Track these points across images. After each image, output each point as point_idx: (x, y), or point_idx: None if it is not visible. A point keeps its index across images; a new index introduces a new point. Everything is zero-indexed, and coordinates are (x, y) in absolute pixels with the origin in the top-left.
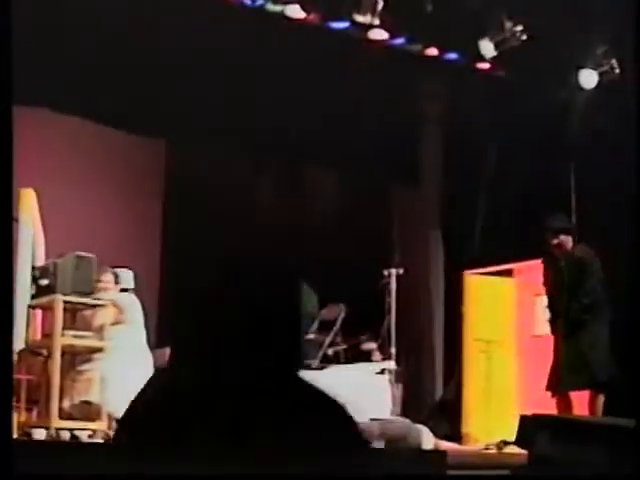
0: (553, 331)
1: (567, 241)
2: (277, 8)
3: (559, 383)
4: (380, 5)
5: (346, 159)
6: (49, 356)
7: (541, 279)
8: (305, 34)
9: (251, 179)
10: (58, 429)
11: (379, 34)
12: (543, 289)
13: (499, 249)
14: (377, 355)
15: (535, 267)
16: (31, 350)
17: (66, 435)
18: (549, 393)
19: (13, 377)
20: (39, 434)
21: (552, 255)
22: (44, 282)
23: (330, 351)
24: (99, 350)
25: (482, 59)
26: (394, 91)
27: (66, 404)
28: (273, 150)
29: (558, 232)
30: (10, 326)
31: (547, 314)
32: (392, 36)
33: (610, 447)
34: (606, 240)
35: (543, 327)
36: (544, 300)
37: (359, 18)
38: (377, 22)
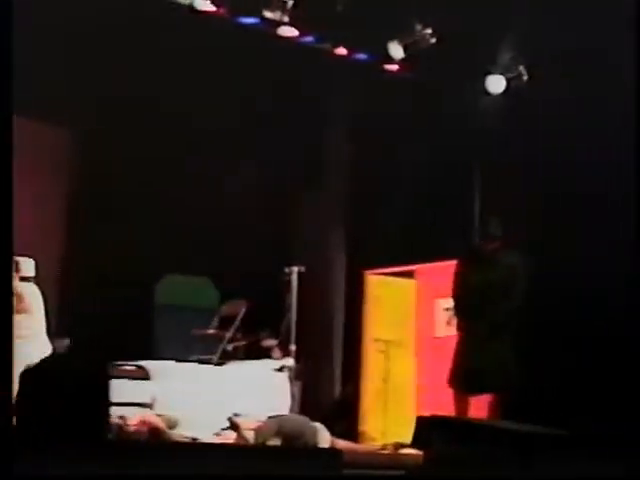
0: (465, 333)
1: (498, 246)
2: (186, 0)
3: (470, 384)
4: (290, 3)
5: (250, 156)
6: None
7: (449, 280)
8: (213, 28)
9: (153, 174)
10: None
11: (288, 31)
12: (448, 291)
13: (401, 250)
14: (277, 352)
15: (436, 269)
16: None
17: None
18: (450, 393)
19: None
20: None
21: (477, 257)
22: None
23: (230, 347)
24: None
25: (391, 60)
26: (302, 89)
27: None
28: (175, 144)
29: (493, 238)
30: (10, 326)
31: (449, 315)
32: (302, 34)
33: (507, 450)
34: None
35: (444, 329)
36: (446, 302)
37: (268, 14)
38: (286, 19)
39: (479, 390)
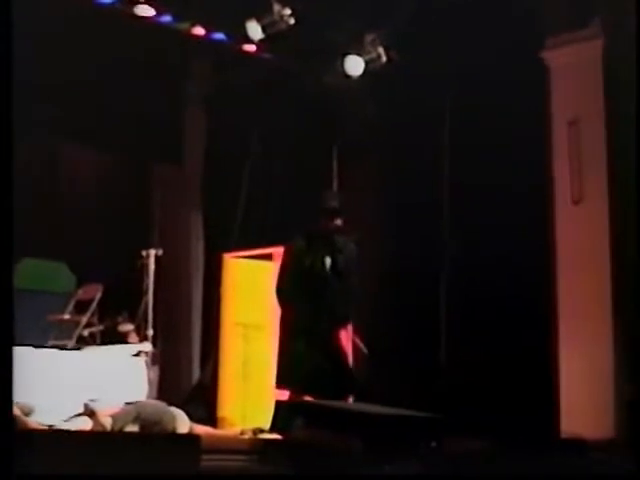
0: (289, 323)
1: (338, 227)
2: None
3: (300, 386)
4: None
5: (106, 137)
6: None
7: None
8: (70, 7)
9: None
10: None
11: (146, 10)
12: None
13: (259, 233)
14: (133, 337)
15: None
16: None
17: None
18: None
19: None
20: None
21: (316, 237)
22: None
23: (86, 332)
24: None
25: (249, 41)
26: (160, 69)
27: None
28: (31, 126)
29: (332, 213)
30: (10, 327)
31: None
32: (159, 13)
33: (362, 433)
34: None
35: None
36: None
37: None
38: None
39: (314, 393)
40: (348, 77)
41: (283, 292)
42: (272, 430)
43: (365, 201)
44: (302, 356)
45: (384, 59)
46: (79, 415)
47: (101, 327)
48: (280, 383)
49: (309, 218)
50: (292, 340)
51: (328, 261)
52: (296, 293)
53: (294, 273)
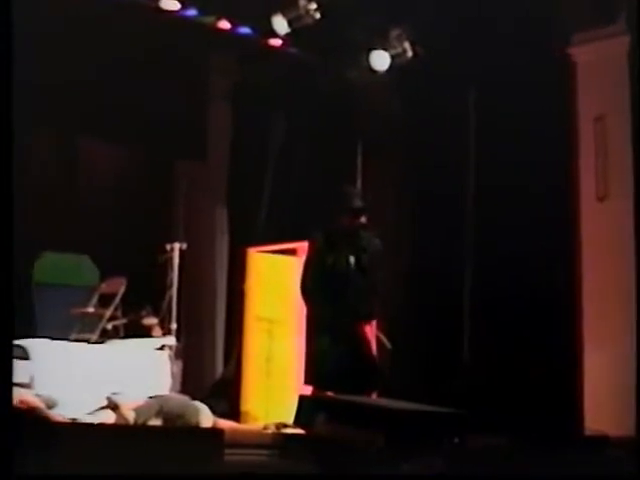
0: (314, 322)
1: (362, 224)
2: None
3: (326, 383)
4: None
5: (132, 131)
6: None
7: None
8: (95, 1)
9: (30, 151)
10: None
11: (171, 4)
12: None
13: (283, 228)
14: (157, 330)
15: None
16: None
17: None
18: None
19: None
20: None
21: (333, 235)
22: None
23: (109, 325)
24: None
25: (275, 35)
26: (185, 63)
27: None
28: (51, 121)
29: (358, 212)
30: (10, 326)
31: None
32: (184, 7)
33: (385, 428)
34: (387, 227)
35: None
36: None
37: None
38: None
39: (339, 390)
40: (374, 72)
41: (307, 290)
42: (295, 425)
43: (389, 197)
44: (326, 353)
45: (410, 54)
46: (102, 408)
47: (125, 320)
48: (307, 380)
49: (333, 214)
50: (317, 337)
51: (352, 259)
52: (320, 291)
53: (317, 271)
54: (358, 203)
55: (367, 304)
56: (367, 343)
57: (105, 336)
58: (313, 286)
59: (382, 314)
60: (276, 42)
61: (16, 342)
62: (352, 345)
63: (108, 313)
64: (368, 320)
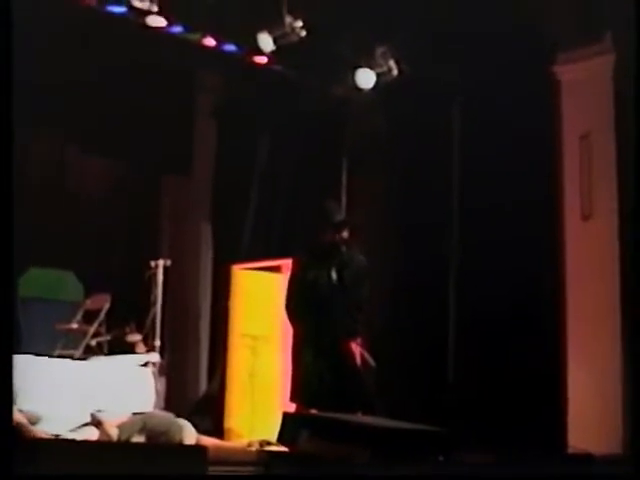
0: (299, 338)
1: (344, 239)
2: None
3: (312, 401)
4: None
5: (118, 147)
6: None
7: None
8: (81, 17)
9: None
10: None
11: (157, 21)
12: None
13: (268, 244)
14: (141, 347)
15: None
16: None
17: None
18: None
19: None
20: None
21: (322, 250)
22: None
23: (93, 342)
24: None
25: (260, 52)
26: (170, 80)
27: None
28: (36, 137)
29: (339, 226)
30: (10, 327)
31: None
32: (170, 24)
33: (369, 446)
34: (371, 243)
35: None
36: None
37: (137, 3)
38: (155, 9)
39: (324, 407)
40: (359, 90)
41: (291, 307)
42: (279, 442)
43: (373, 214)
44: (311, 370)
45: (395, 72)
46: (86, 425)
47: (109, 337)
48: (292, 397)
49: (315, 230)
50: (301, 355)
51: (334, 275)
52: (303, 308)
53: (300, 288)
54: (339, 217)
55: (351, 321)
56: (352, 360)
57: (89, 352)
58: (296, 303)
59: (367, 331)
60: (261, 59)
61: None
62: (337, 362)
63: (92, 329)
64: (352, 337)
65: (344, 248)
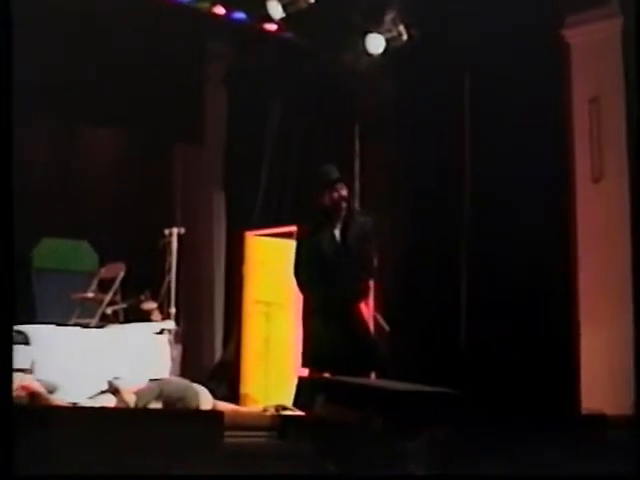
0: (309, 305)
1: (343, 198)
2: None
3: (323, 365)
4: None
5: (128, 116)
6: None
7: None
8: None
9: (26, 135)
10: None
11: None
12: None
13: (281, 211)
14: (156, 315)
15: None
16: None
17: None
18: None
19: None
20: None
21: (324, 214)
22: None
23: (109, 310)
24: None
25: (270, 20)
26: (180, 49)
27: None
28: (49, 106)
29: (335, 183)
30: (10, 326)
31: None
32: None
33: (383, 409)
34: (384, 210)
35: None
36: None
37: None
38: None
39: (336, 371)
40: (369, 55)
41: (298, 273)
42: (294, 407)
43: (386, 179)
44: (321, 335)
45: (405, 37)
46: (103, 392)
47: (124, 305)
48: (304, 363)
49: (314, 194)
50: (311, 320)
51: (337, 235)
52: (309, 272)
53: (306, 253)
54: (334, 175)
55: (358, 282)
56: (363, 323)
57: (105, 321)
58: (303, 268)
59: (379, 295)
60: (271, 27)
61: (17, 328)
62: (347, 325)
63: (107, 298)
64: (360, 299)
65: (344, 205)
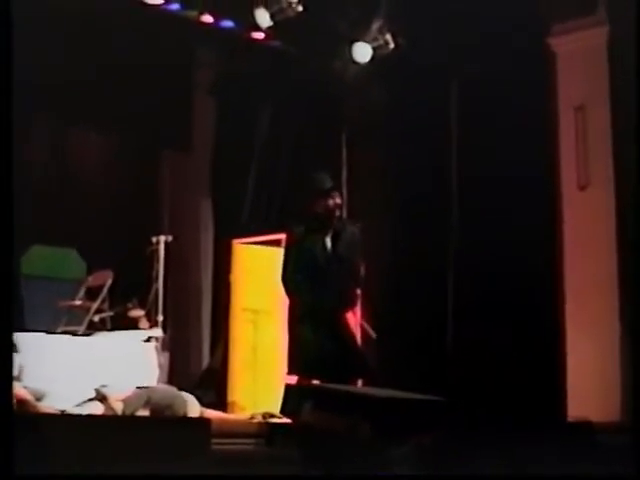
0: (295, 311)
1: (337, 207)
2: None
3: (311, 372)
4: None
5: (117, 124)
6: None
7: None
8: None
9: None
10: None
11: None
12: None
13: (268, 219)
14: (144, 323)
15: None
16: None
17: None
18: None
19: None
20: None
21: (315, 222)
22: None
23: (96, 318)
24: None
25: (257, 28)
26: (169, 57)
27: None
28: (39, 111)
29: (330, 192)
30: (10, 326)
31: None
32: (167, 1)
33: (371, 416)
34: (371, 217)
35: None
36: None
37: None
38: None
39: (323, 378)
40: (356, 64)
41: (287, 279)
42: (282, 414)
43: (373, 187)
44: (309, 342)
45: (392, 46)
46: (91, 400)
47: (111, 313)
48: (290, 370)
49: (307, 201)
50: (298, 326)
51: (329, 243)
52: (298, 279)
53: (295, 259)
54: (328, 184)
55: (346, 291)
56: (349, 330)
57: (92, 328)
58: (291, 274)
59: (366, 303)
60: (259, 35)
61: None
62: (335, 332)
63: (95, 306)
64: (349, 306)
65: (337, 213)
